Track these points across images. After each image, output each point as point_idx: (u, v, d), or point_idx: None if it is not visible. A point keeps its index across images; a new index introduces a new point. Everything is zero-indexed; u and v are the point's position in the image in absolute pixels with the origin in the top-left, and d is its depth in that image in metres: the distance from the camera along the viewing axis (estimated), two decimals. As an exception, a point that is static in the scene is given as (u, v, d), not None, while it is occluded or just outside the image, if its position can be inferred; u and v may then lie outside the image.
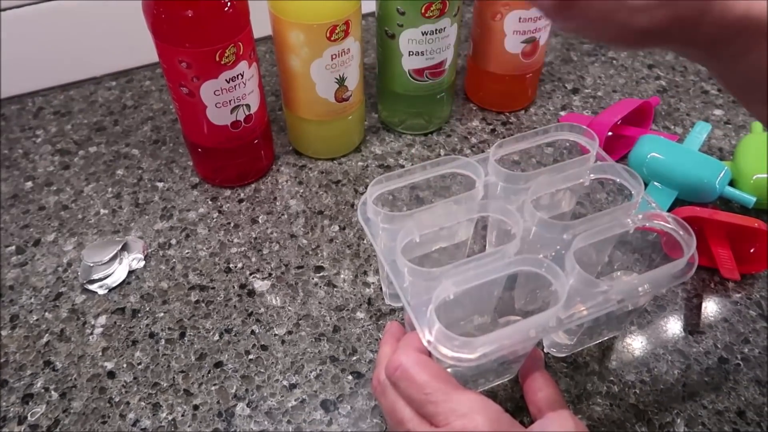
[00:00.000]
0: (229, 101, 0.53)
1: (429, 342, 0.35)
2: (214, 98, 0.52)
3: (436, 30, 0.57)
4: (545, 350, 0.47)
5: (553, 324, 0.37)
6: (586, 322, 0.38)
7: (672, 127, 0.67)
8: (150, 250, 0.55)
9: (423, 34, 0.57)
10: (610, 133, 0.62)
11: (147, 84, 0.73)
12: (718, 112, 0.69)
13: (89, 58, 0.72)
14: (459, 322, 0.45)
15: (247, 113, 0.55)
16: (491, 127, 0.67)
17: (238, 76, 0.52)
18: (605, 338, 0.48)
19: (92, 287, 0.52)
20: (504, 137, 0.66)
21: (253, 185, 0.61)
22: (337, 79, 0.56)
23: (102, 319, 0.50)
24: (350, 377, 0.46)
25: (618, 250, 0.47)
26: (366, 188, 0.60)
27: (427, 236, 0.42)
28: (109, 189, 0.61)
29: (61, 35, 0.69)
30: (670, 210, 0.55)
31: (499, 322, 0.46)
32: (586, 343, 0.47)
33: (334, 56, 0.54)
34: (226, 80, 0.52)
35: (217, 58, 0.50)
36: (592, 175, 0.45)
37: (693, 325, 0.49)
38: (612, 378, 0.46)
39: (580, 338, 0.46)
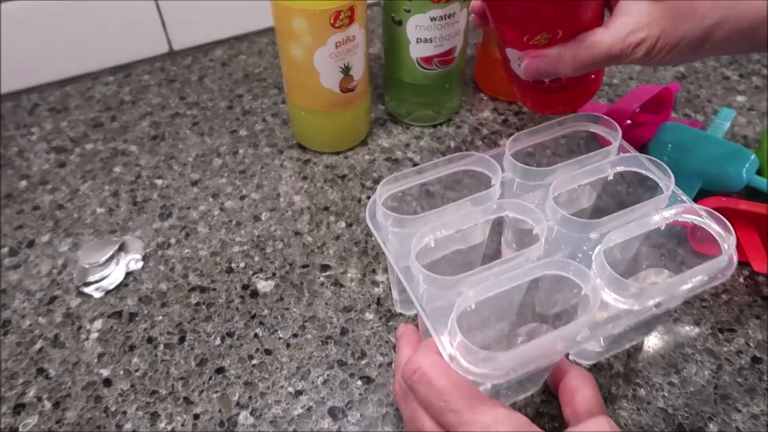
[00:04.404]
0: None
1: (451, 356, 0.32)
2: None
3: (445, 15, 0.54)
4: (570, 358, 0.44)
5: (584, 336, 0.34)
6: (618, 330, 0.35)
7: (693, 114, 0.64)
8: (148, 250, 0.53)
9: (431, 20, 0.54)
10: (628, 122, 0.59)
11: (146, 78, 0.71)
12: (740, 98, 0.65)
13: (86, 53, 0.70)
14: (476, 330, 0.42)
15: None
16: (503, 117, 0.64)
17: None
18: (634, 343, 0.45)
19: (88, 290, 0.49)
20: (517, 128, 0.63)
21: (255, 180, 0.58)
22: (342, 68, 0.54)
23: (98, 324, 0.48)
24: (359, 382, 0.43)
25: (642, 245, 0.44)
26: (374, 183, 0.58)
27: (441, 240, 0.39)
28: (106, 187, 0.58)
29: (57, 30, 0.67)
30: (694, 201, 0.52)
31: (520, 332, 0.43)
32: (613, 350, 0.44)
33: (338, 44, 0.52)
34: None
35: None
36: (616, 168, 0.42)
37: (722, 322, 0.46)
38: (638, 380, 0.43)
39: (608, 345, 0.43)
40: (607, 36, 0.40)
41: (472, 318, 0.36)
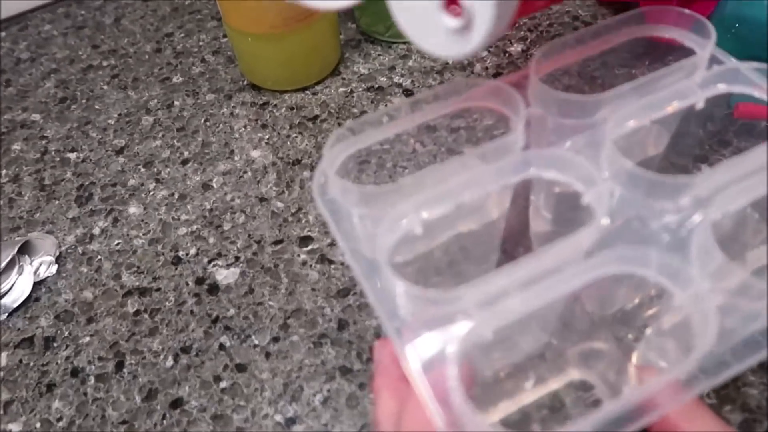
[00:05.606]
0: None
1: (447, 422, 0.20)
2: None
3: None
4: None
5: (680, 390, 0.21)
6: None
7: (748, -16, 0.50)
8: (64, 248, 0.39)
9: None
10: None
11: (47, 29, 0.56)
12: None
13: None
14: (497, 354, 0.29)
15: None
16: (508, 18, 0.50)
17: None
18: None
19: (-17, 314, 0.36)
20: (529, 29, 0.49)
21: (199, 138, 0.44)
22: (290, -34, 0.39)
23: (1, 359, 0.34)
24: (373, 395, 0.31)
25: (754, 210, 0.29)
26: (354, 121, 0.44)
27: (433, 222, 0.25)
28: (3, 172, 0.44)
29: None
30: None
31: (568, 355, 0.30)
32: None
33: (280, -70, 0.37)
34: None
35: None
36: (708, 91, 0.27)
37: None
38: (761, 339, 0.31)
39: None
40: None
41: (488, 346, 0.23)
